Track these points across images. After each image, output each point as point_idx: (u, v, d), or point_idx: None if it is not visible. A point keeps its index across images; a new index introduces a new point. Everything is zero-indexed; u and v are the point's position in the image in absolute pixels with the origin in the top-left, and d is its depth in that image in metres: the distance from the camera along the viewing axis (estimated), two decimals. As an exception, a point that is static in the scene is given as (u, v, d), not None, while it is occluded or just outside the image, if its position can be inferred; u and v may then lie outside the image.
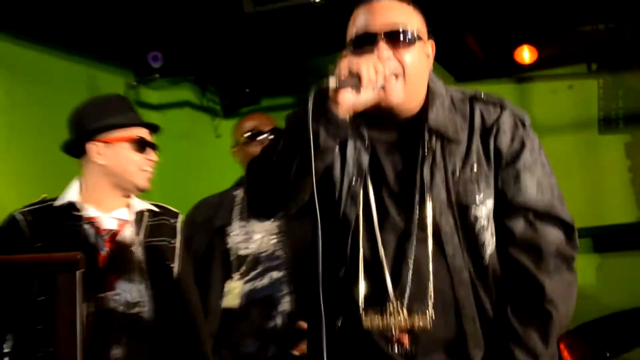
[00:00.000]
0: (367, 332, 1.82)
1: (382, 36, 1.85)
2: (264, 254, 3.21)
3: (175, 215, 2.78)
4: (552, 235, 1.85)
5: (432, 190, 1.84)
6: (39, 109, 4.47)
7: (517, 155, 1.87)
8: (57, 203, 2.59)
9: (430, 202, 1.83)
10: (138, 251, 2.58)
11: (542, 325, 1.81)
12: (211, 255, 3.26)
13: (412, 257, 1.82)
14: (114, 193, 2.63)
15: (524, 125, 1.91)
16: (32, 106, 4.45)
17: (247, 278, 3.19)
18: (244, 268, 3.19)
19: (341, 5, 2.04)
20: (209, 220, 3.30)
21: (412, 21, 1.90)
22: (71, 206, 2.56)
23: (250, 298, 3.18)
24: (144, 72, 5.18)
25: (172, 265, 2.67)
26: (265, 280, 3.19)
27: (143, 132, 2.66)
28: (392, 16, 1.88)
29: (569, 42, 4.84)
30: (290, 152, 1.77)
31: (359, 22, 1.90)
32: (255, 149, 3.24)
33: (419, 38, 1.89)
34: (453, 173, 1.86)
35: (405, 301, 1.80)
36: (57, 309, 1.78)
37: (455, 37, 4.69)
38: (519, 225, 1.85)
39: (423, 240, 1.82)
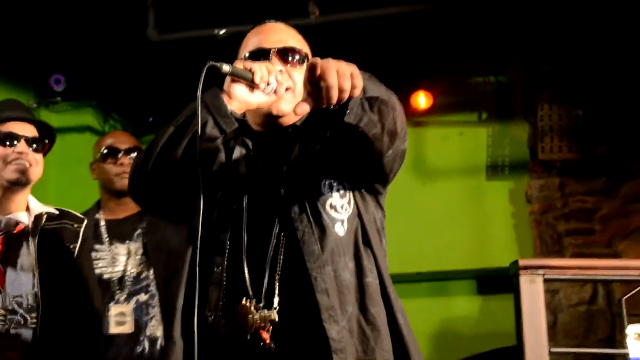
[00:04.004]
0: (226, 334, 1.83)
1: (275, 52, 1.96)
2: (128, 277, 3.16)
3: (80, 220, 2.75)
4: None
5: (288, 177, 1.91)
6: None
7: None
8: None
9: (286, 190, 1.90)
10: (31, 254, 2.56)
11: None
12: None
13: (270, 251, 1.86)
14: (6, 195, 2.62)
15: None
16: None
17: (112, 303, 3.14)
18: (110, 292, 3.14)
19: (244, 36, 2.10)
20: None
21: (301, 44, 2.05)
22: None
23: None
24: (45, 94, 5.12)
25: (68, 268, 2.66)
26: (131, 305, 3.13)
27: (15, 127, 2.65)
28: (283, 36, 2.02)
29: (462, 91, 5.07)
30: (178, 134, 1.81)
31: (252, 41, 2.02)
32: (110, 167, 3.27)
33: (307, 60, 2.01)
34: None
35: (262, 297, 1.83)
36: None
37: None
38: None
39: (281, 230, 1.87)
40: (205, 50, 4.19)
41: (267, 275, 1.84)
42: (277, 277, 1.84)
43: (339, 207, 1.90)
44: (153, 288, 3.16)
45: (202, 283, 1.79)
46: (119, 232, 3.22)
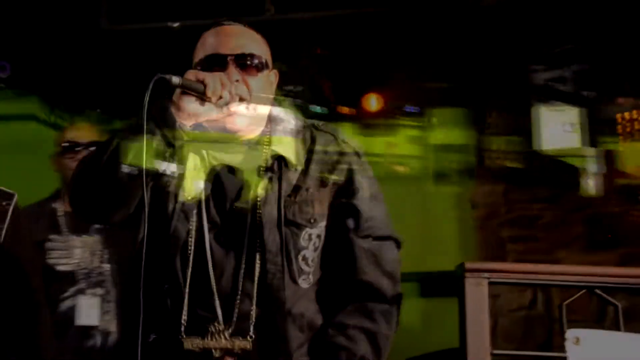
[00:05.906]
0: (187, 352, 1.82)
1: (232, 59, 1.88)
2: (83, 270, 3.14)
3: (9, 197, 2.65)
4: (391, 252, 2.06)
5: (264, 209, 1.88)
6: None
7: (355, 184, 1.97)
8: None
9: (262, 222, 1.87)
10: None
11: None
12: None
13: (241, 278, 1.85)
14: None
15: (359, 155, 2.02)
16: None
17: (66, 295, 3.11)
18: (64, 284, 3.10)
19: (198, 31, 2.05)
20: (30, 232, 3.23)
21: (261, 48, 1.97)
22: None
23: (68, 316, 3.08)
24: (-11, 81, 5.01)
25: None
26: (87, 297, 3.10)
27: None
28: (242, 41, 1.93)
29: (413, 95, 5.12)
30: (121, 149, 1.76)
31: (209, 43, 1.93)
32: (69, 162, 3.17)
33: (267, 66, 1.96)
34: (289, 195, 1.90)
35: (232, 323, 1.83)
36: None
37: (313, 85, 4.87)
38: (365, 245, 1.97)
39: (251, 260, 1.86)
40: (158, 42, 4.15)
41: (237, 303, 1.84)
42: (251, 307, 1.84)
43: (310, 260, 1.93)
44: (109, 283, 3.13)
45: (150, 300, 1.78)
46: (76, 224, 3.17)
